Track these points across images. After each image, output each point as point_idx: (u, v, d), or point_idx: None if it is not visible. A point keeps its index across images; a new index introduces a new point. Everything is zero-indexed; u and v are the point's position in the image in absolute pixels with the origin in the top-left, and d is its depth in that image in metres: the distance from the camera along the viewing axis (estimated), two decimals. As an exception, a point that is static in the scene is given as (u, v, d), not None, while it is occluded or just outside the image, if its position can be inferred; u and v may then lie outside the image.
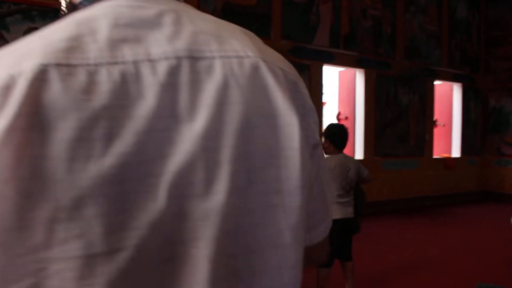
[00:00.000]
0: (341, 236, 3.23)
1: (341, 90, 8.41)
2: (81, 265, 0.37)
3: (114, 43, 0.41)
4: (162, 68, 0.41)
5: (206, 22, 0.48)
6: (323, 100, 10.78)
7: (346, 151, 3.45)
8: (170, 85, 0.41)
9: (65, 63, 0.39)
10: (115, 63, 0.40)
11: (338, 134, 3.34)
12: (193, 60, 0.43)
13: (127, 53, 0.41)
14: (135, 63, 0.41)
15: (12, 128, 0.36)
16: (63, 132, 0.37)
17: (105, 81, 0.39)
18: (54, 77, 0.38)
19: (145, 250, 0.38)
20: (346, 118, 8.12)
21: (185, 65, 0.42)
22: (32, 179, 0.36)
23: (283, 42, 6.95)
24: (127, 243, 0.38)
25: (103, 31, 0.42)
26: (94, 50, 0.40)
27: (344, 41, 7.67)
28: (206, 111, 0.42)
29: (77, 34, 0.41)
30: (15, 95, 0.37)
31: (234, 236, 0.42)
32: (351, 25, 7.81)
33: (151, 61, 0.41)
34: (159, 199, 0.39)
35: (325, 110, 8.46)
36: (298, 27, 7.18)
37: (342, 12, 7.70)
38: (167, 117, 0.40)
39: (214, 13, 6.47)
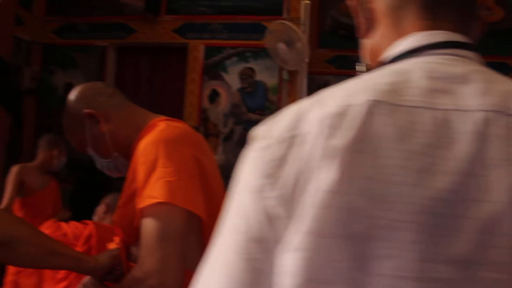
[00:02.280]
0: None
1: None
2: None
3: (429, 92, 0.49)
4: (472, 118, 0.47)
5: (508, 84, 0.52)
6: None
7: None
8: (480, 135, 0.46)
9: (388, 102, 0.47)
10: (430, 108, 0.47)
11: None
12: (505, 116, 0.47)
13: (438, 101, 0.48)
14: (445, 110, 0.47)
15: (346, 147, 0.45)
16: (385, 159, 0.45)
17: (422, 122, 0.47)
18: (380, 111, 0.47)
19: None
20: None
21: (497, 119, 0.47)
22: (359, 196, 0.44)
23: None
24: (436, 275, 0.43)
25: (420, 81, 0.50)
26: (413, 95, 0.48)
27: None
28: None
29: (395, 81, 0.50)
30: (348, 121, 0.46)
31: None
32: None
33: (460, 111, 0.47)
34: (461, 241, 0.43)
35: None
36: None
37: None
38: (480, 165, 0.45)
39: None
